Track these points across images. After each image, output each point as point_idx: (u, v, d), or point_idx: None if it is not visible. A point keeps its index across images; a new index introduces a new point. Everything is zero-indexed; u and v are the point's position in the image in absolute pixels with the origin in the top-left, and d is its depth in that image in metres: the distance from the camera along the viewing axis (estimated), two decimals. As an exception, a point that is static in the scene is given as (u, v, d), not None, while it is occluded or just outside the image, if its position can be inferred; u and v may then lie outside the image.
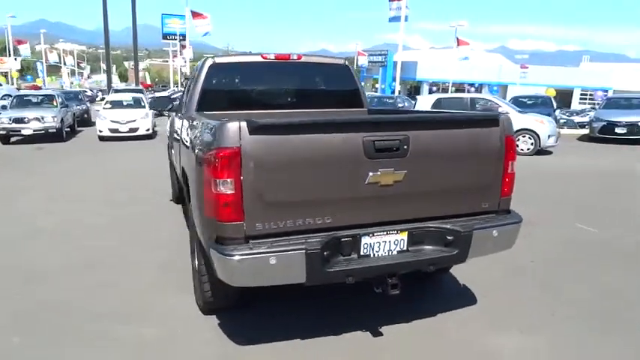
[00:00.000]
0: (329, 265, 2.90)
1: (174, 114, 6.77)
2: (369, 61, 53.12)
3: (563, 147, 13.82)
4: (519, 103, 17.23)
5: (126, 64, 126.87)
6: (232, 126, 2.71)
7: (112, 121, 16.09)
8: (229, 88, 5.03)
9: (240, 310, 3.73)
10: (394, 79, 50.61)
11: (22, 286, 4.30)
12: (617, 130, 15.34)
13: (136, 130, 16.25)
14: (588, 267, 4.75)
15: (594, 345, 3.32)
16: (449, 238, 3.13)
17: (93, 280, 4.42)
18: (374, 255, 3.07)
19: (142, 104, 17.79)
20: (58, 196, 8.00)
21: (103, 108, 17.30)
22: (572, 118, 26.51)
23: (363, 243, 3.02)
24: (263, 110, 4.88)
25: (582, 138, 17.10)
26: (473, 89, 43.46)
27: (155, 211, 6.93)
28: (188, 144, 3.67)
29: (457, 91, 42.42)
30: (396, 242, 3.11)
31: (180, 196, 7.08)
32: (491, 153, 3.26)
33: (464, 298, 4.02)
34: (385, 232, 3.07)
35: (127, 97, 18.49)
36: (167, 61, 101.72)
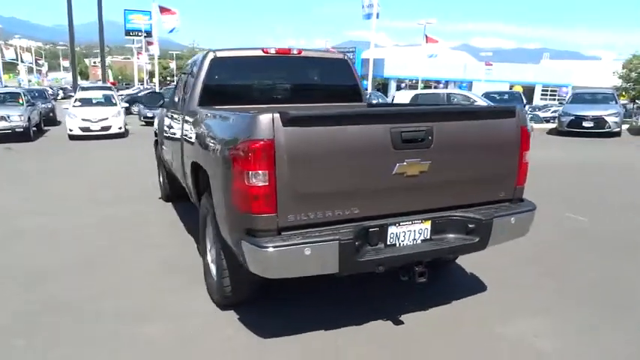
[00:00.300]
0: (360, 254, 2.93)
1: (163, 111, 6.67)
2: (337, 59, 53.14)
3: (536, 141, 14.21)
4: (491, 98, 17.64)
5: (86, 61, 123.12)
6: (266, 118, 2.70)
7: (83, 120, 15.62)
8: (231, 82, 4.98)
9: (257, 304, 3.71)
10: (363, 76, 51.13)
11: (22, 287, 4.16)
12: (585, 124, 15.92)
13: (108, 128, 15.83)
14: (585, 253, 4.94)
15: (607, 328, 3.47)
16: (470, 226, 3.21)
17: (95, 280, 4.32)
18: (399, 244, 3.12)
19: (114, 102, 17.38)
20: (40, 196, 7.74)
21: (73, 106, 16.77)
22: (536, 113, 27.41)
23: (389, 233, 3.07)
24: (264, 105, 4.86)
25: (551, 132, 17.66)
26: (441, 86, 44.26)
27: (145, 210, 6.80)
28: (203, 139, 3.61)
29: (425, 87, 43.03)
30: (420, 231, 3.17)
31: (172, 193, 7.00)
32: (508, 143, 3.36)
33: (473, 286, 4.12)
34: (410, 222, 3.12)
35: (97, 95, 17.99)
36: (129, 59, 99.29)
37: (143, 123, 21.00)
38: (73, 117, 15.73)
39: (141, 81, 54.97)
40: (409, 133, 2.98)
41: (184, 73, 5.36)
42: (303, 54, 5.12)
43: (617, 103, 17.06)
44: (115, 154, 12.66)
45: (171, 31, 30.92)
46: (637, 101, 24.46)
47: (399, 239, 3.11)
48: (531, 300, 3.88)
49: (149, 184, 8.20)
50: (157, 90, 22.66)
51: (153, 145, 7.86)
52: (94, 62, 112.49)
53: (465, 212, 3.25)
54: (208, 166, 3.39)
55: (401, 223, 3.09)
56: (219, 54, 4.76)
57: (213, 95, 4.68)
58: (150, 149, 12.94)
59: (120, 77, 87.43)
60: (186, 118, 4.54)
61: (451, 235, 3.24)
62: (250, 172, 2.73)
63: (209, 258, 4.01)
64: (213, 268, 3.92)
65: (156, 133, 7.78)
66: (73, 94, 30.17)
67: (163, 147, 6.50)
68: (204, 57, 4.74)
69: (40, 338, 3.34)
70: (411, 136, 2.98)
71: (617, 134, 16.04)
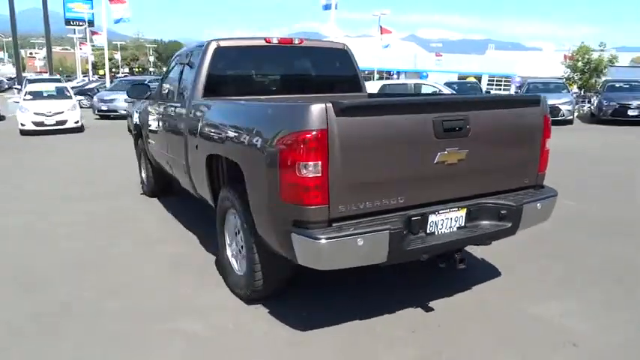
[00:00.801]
0: (407, 243, 2.95)
1: (146, 104, 6.43)
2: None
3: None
4: (451, 88, 18.10)
5: (22, 52, 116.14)
6: (318, 108, 2.66)
7: (36, 114, 14.80)
8: (234, 73, 4.86)
9: (283, 297, 3.67)
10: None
11: (31, 290, 3.92)
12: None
13: (63, 122, 15.09)
14: (586, 236, 5.19)
15: (621, 304, 3.66)
16: (503, 212, 3.30)
17: (106, 279, 4.14)
18: (438, 232, 3.17)
19: (68, 94, 16.56)
20: (14, 194, 7.29)
21: (24, 99, 15.85)
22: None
23: (429, 221, 3.11)
24: (268, 95, 4.78)
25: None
26: (395, 77, 44.95)
27: (132, 206, 6.56)
28: (230, 131, 3.50)
29: (379, 79, 43.55)
30: (456, 219, 3.22)
31: (158, 189, 6.77)
32: (533, 131, 3.47)
33: (487, 271, 4.23)
34: (448, 210, 3.17)
35: (49, 88, 17.05)
36: (68, 49, 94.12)
37: (97, 117, 20.21)
38: (25, 111, 14.88)
39: (85, 73, 52.56)
40: (449, 122, 3.02)
41: (180, 64, 5.17)
42: (305, 44, 5.07)
43: (569, 92, 17.93)
44: (77, 149, 12.10)
45: (118, 21, 29.58)
46: (585, 91, 25.83)
47: (437, 227, 3.15)
48: (545, 283, 4.03)
49: (125, 180, 7.92)
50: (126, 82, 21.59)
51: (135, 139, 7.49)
52: (31, 53, 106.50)
53: (497, 199, 3.33)
54: (241, 158, 3.29)
55: (440, 212, 3.14)
56: (223, 43, 4.63)
57: (217, 86, 4.57)
58: (112, 144, 12.57)
59: (60, 69, 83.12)
60: (193, 110, 4.39)
61: (485, 222, 3.32)
62: (303, 164, 2.68)
63: (229, 253, 3.92)
64: (235, 262, 3.85)
65: (130, 128, 7.49)
66: (19, 86, 28.49)
67: (150, 141, 6.27)
68: (207, 47, 4.59)
69: (70, 342, 3.17)
70: (451, 125, 3.02)
71: (570, 122, 16.88)
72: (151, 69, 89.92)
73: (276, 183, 2.84)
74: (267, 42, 4.84)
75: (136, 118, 7.03)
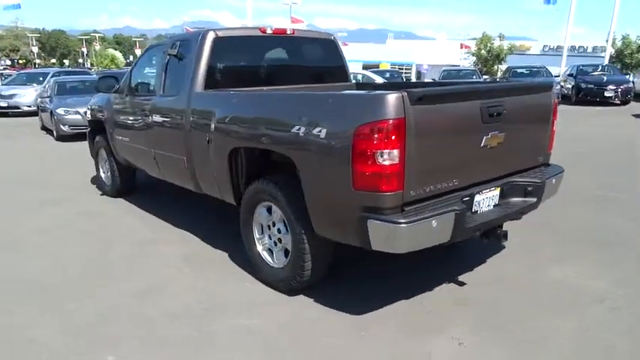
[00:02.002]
0: (465, 222, 3.16)
1: (108, 97, 6.05)
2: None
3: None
4: (383, 77, 18.74)
5: None
6: (395, 97, 2.75)
7: None
8: (233, 63, 4.74)
9: (322, 286, 3.71)
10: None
11: (54, 302, 3.60)
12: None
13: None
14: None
15: (621, 262, 4.18)
16: (529, 189, 3.63)
17: (131, 284, 3.92)
18: (480, 211, 3.41)
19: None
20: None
21: None
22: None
23: (475, 201, 3.34)
24: (264, 86, 4.74)
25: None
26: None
27: (102, 207, 6.14)
28: (275, 122, 3.48)
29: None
30: (493, 197, 3.50)
31: (124, 187, 6.40)
32: (547, 113, 3.84)
33: (493, 245, 4.50)
34: (488, 189, 3.43)
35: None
36: None
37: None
38: None
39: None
40: (493, 107, 3.26)
41: (165, 55, 4.90)
42: (297, 34, 5.08)
43: (479, 78, 19.37)
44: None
45: (7, 8, 26.78)
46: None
47: (479, 206, 3.40)
48: (547, 251, 4.45)
49: (74, 182, 7.41)
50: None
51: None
52: None
53: (523, 177, 3.66)
54: (294, 150, 3.27)
55: (483, 191, 3.39)
56: (220, 33, 4.51)
57: (217, 77, 4.46)
58: (32, 143, 11.60)
59: None
60: (197, 103, 4.26)
61: (514, 199, 3.62)
62: (381, 152, 2.76)
63: (259, 247, 3.89)
64: (267, 256, 3.83)
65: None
66: None
67: (119, 138, 5.89)
68: (203, 37, 4.44)
69: (127, 349, 2.99)
70: (494, 111, 3.27)
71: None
72: (37, 61, 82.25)
73: (348, 172, 2.89)
74: (261, 32, 4.78)
75: (95, 114, 6.55)
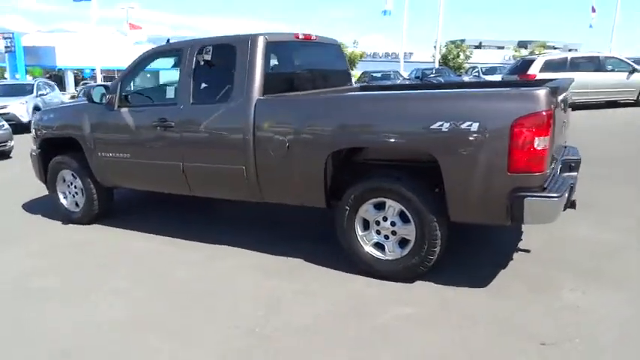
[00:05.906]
0: (569, 195, 3.81)
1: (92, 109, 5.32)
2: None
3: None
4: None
5: None
6: (545, 92, 3.29)
7: None
8: (280, 69, 4.75)
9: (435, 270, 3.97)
10: (31, 68, 44.16)
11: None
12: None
13: None
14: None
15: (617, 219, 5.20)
16: (572, 165, 4.43)
17: (222, 302, 3.72)
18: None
19: None
20: None
21: None
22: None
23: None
24: (301, 91, 4.84)
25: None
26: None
27: (91, 236, 5.41)
28: (424, 119, 3.61)
29: (106, 79, 40.28)
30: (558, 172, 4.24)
31: (102, 210, 5.71)
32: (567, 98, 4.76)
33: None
34: (560, 166, 4.16)
35: None
36: None
37: None
38: None
39: None
40: (565, 98, 4.02)
41: (205, 61, 4.60)
42: (319, 39, 5.27)
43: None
44: None
45: None
46: None
47: None
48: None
49: (35, 211, 6.33)
50: None
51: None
52: None
53: (570, 155, 4.47)
54: (439, 146, 3.53)
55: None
56: (270, 38, 4.49)
57: (272, 82, 4.46)
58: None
59: None
60: (268, 108, 4.23)
61: (566, 174, 4.39)
62: (541, 138, 3.26)
63: (365, 245, 4.01)
64: (375, 250, 3.98)
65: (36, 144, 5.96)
66: None
67: (109, 155, 5.26)
68: (254, 41, 4.37)
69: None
70: (567, 100, 4.04)
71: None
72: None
73: (504, 158, 3.31)
74: (295, 37, 4.88)
75: (40, 132, 5.77)
